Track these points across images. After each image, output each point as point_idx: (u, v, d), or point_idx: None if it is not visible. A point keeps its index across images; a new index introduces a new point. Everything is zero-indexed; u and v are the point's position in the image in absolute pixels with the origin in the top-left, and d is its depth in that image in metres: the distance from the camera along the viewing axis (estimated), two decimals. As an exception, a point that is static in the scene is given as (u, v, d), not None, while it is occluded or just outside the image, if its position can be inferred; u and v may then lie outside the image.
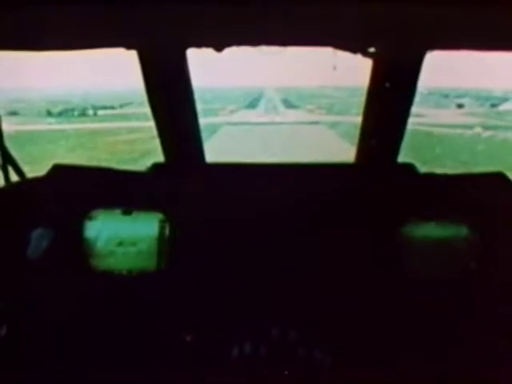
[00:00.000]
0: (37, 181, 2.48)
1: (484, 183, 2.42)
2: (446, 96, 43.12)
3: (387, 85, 2.42)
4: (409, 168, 2.52)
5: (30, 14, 1.49)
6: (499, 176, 2.37)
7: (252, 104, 43.54)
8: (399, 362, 2.18)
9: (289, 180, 2.41)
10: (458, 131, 25.48)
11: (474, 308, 2.28)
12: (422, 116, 31.23)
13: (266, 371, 2.12)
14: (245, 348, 2.22)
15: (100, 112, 34.96)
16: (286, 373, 2.11)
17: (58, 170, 2.46)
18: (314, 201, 2.37)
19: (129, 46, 2.29)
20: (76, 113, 33.81)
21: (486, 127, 25.14)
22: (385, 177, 2.53)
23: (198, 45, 2.26)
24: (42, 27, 1.78)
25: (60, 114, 32.78)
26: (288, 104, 44.37)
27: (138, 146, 19.38)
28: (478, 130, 24.68)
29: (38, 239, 2.34)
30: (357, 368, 2.16)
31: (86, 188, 2.39)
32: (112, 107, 38.32)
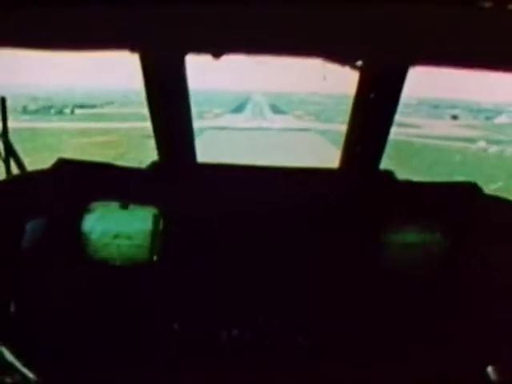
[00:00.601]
0: (40, 173, 2.68)
1: (457, 192, 2.70)
2: (437, 107, 43.89)
3: (372, 96, 2.68)
4: (388, 175, 2.79)
5: (30, 13, 1.63)
6: (472, 186, 2.65)
7: (238, 108, 43.46)
8: (374, 350, 2.47)
9: (276, 182, 2.67)
10: (460, 144, 24.99)
11: (446, 305, 2.56)
12: (418, 127, 31.39)
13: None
14: (232, 333, 2.47)
15: (78, 111, 34.47)
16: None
17: (61, 164, 2.66)
18: (298, 202, 2.63)
19: (132, 50, 2.50)
20: (53, 111, 33.20)
21: (488, 141, 24.92)
22: (365, 182, 2.79)
23: (197, 51, 2.48)
24: (43, 27, 1.94)
25: (36, 112, 32.20)
26: (275, 109, 44.39)
27: (109, 149, 18.62)
28: (482, 144, 24.27)
29: (37, 230, 2.54)
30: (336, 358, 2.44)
31: (86, 182, 2.59)
32: (93, 106, 38.00)
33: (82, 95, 40.41)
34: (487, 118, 37.67)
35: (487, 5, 1.50)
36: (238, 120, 34.06)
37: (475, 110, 41.18)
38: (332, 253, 2.63)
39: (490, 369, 2.19)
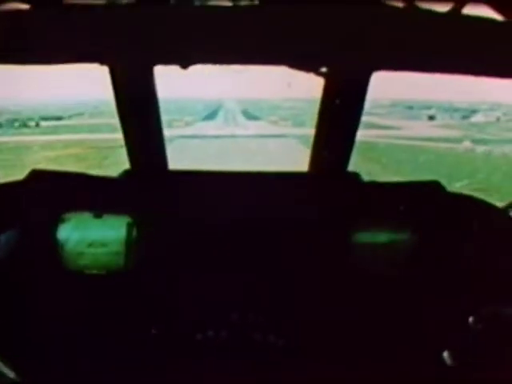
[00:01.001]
0: (13, 184, 2.75)
1: (421, 191, 2.89)
2: (411, 107, 44.75)
3: (337, 101, 2.85)
4: (354, 176, 2.96)
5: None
6: (435, 184, 2.83)
7: (210, 116, 43.21)
8: (347, 349, 2.62)
9: (247, 186, 2.82)
10: (445, 145, 25.29)
11: (415, 304, 2.73)
12: (398, 128, 31.60)
13: None
14: (208, 334, 2.60)
15: (44, 123, 33.61)
16: None
17: (35, 175, 2.75)
18: (269, 205, 2.77)
19: (101, 62, 2.61)
20: (17, 124, 32.24)
21: (473, 141, 25.14)
22: (333, 184, 2.96)
23: (165, 63, 2.61)
24: (13, 40, 2.05)
25: (-1, 125, 31.71)
26: (249, 115, 44.29)
27: (69, 165, 17.91)
28: (467, 144, 24.49)
29: (11, 241, 2.61)
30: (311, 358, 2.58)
31: (59, 192, 2.68)
32: (59, 118, 37.37)
33: (51, 107, 39.77)
34: (463, 118, 38.33)
35: (444, 10, 1.69)
36: (210, 127, 33.86)
37: (450, 110, 42.06)
38: (303, 254, 2.78)
39: (445, 354, 2.35)
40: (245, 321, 2.71)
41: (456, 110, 41.41)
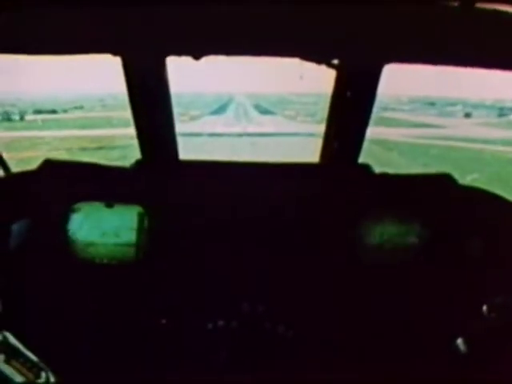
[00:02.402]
0: (26, 174, 3.02)
1: (432, 183, 3.11)
2: (432, 104, 44.64)
3: (349, 93, 3.08)
4: (365, 168, 3.20)
5: (11, 17, 1.83)
6: (446, 176, 3.05)
7: (219, 110, 43.20)
8: (354, 338, 2.86)
9: (259, 176, 3.06)
10: (503, 148, 23.54)
11: (424, 295, 2.94)
12: (439, 127, 31.23)
13: None
14: (218, 324, 2.85)
15: (31, 117, 33.60)
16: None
17: (47, 165, 3.03)
18: (280, 195, 3.03)
19: (114, 53, 2.85)
20: (-1, 118, 31.90)
21: None
22: (343, 176, 3.19)
23: (178, 53, 2.84)
24: (24, 31, 2.11)
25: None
26: (262, 109, 44.27)
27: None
28: None
29: (24, 231, 2.87)
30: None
31: (71, 182, 2.94)
32: (53, 111, 37.44)
33: (49, 100, 40.06)
34: (501, 115, 37.89)
35: (457, 4, 1.84)
36: (219, 123, 33.28)
37: (481, 106, 41.57)
38: (313, 245, 3.01)
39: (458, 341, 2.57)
40: (255, 311, 2.97)
41: (486, 107, 41.05)
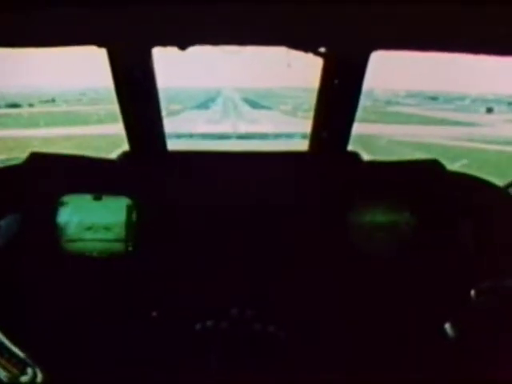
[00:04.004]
0: (13, 168, 3.25)
1: (420, 169, 3.38)
2: (435, 98, 45.03)
3: (336, 81, 3.33)
4: (353, 156, 3.47)
5: None
6: (434, 162, 3.32)
7: (203, 104, 42.03)
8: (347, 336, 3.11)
9: (248, 166, 3.33)
10: None
11: (413, 283, 3.23)
12: (467, 124, 30.01)
13: None
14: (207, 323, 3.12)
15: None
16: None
17: (34, 158, 3.26)
18: (269, 184, 3.30)
19: (99, 44, 3.06)
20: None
21: None
22: (332, 164, 3.45)
23: (163, 43, 3.05)
24: (6, 22, 2.11)
25: None
26: (254, 104, 43.16)
27: None
28: None
29: (12, 225, 3.09)
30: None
31: (59, 174, 3.17)
32: (30, 105, 37.54)
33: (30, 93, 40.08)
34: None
35: None
36: (201, 119, 31.10)
37: (493, 101, 41.68)
38: (303, 235, 3.30)
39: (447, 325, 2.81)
40: (246, 300, 3.22)
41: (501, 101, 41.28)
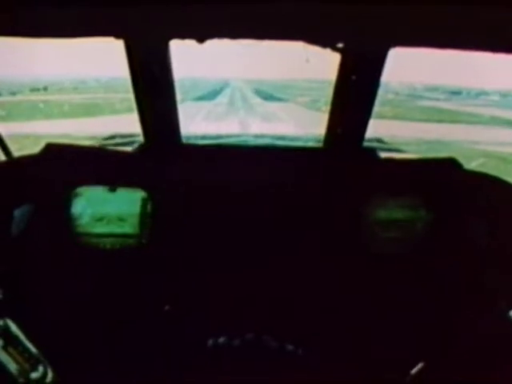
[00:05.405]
0: (28, 159, 3.51)
1: (437, 167, 3.59)
2: (458, 93, 45.09)
3: (353, 77, 3.54)
4: (370, 152, 3.70)
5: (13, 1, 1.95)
6: (451, 161, 3.53)
7: (207, 95, 42.23)
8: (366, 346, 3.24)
9: (263, 161, 3.56)
10: None
11: (430, 282, 3.44)
12: None
13: None
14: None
15: None
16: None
17: (49, 149, 3.52)
18: (283, 180, 3.55)
19: (116, 36, 3.27)
20: None
21: None
22: (348, 160, 3.70)
23: (181, 36, 3.25)
24: (27, 13, 2.23)
25: None
26: (267, 96, 43.24)
27: None
28: None
29: (26, 215, 3.32)
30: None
31: (74, 166, 3.41)
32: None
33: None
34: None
35: None
36: (201, 112, 31.20)
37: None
38: (317, 229, 3.54)
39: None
40: (259, 298, 3.45)
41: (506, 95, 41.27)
